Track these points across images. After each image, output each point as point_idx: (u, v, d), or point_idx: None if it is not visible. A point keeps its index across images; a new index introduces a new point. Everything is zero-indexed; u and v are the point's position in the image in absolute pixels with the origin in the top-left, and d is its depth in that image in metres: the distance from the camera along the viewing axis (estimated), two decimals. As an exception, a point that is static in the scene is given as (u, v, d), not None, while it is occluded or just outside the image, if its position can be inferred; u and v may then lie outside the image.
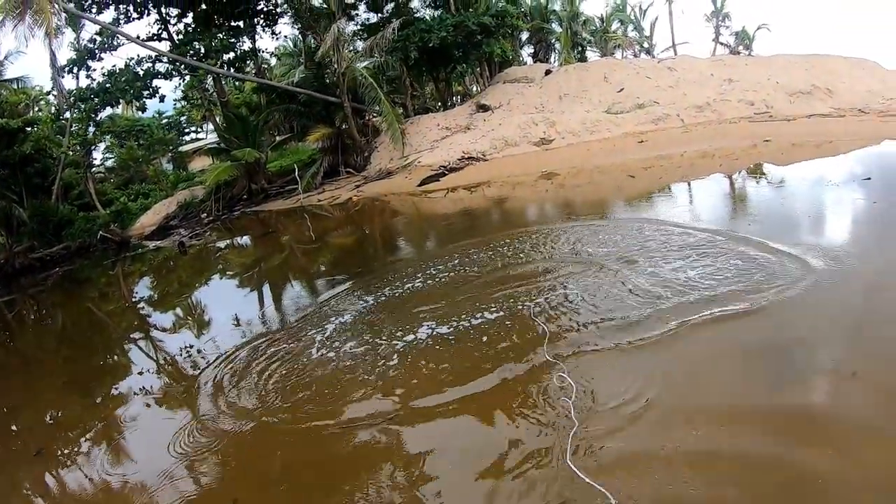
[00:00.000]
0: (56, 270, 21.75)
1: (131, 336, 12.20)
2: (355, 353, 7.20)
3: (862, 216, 9.41)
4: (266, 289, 13.48)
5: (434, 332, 7.23)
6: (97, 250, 24.05)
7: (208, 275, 16.99)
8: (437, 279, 9.50)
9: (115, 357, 11.00)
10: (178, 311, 13.40)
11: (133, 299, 15.94)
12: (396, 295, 9.19)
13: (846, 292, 6.33)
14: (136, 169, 33.98)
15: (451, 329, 7.21)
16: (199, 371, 8.00)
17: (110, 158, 36.67)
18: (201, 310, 12.83)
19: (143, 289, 17.40)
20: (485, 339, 6.74)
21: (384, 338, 7.38)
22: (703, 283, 6.95)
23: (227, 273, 16.41)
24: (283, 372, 7.07)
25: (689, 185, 15.15)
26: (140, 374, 8.91)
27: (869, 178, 11.89)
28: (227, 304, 12.50)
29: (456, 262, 10.15)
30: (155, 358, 9.97)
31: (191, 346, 9.35)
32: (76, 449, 6.83)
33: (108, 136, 32.43)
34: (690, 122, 23.80)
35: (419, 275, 9.93)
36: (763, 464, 3.94)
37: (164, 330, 11.63)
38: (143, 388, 8.00)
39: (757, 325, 5.94)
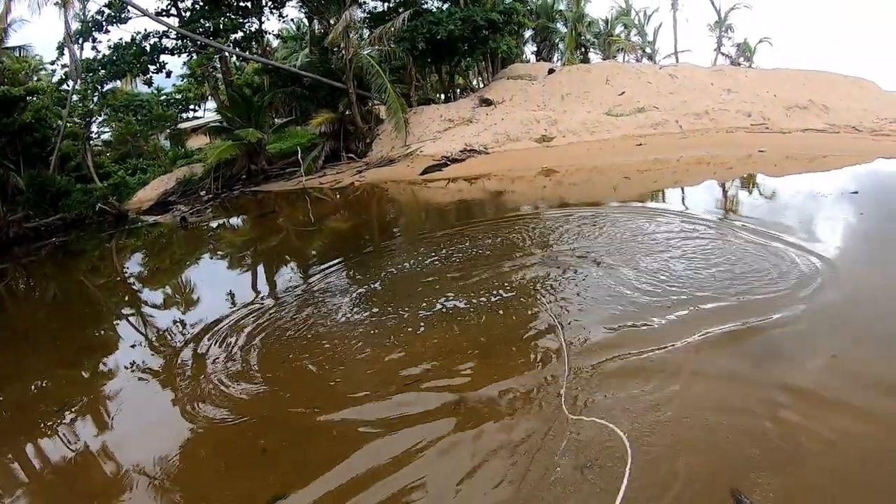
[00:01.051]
0: (52, 240, 21.66)
1: (148, 301, 12.38)
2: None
3: (848, 227, 9.76)
4: (266, 266, 13.62)
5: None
6: (93, 222, 23.98)
7: (212, 249, 17.20)
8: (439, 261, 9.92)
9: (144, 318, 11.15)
10: (196, 276, 13.91)
11: (152, 267, 15.96)
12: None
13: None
14: (134, 144, 33.86)
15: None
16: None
17: (106, 132, 36.51)
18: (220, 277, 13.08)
19: (151, 259, 17.22)
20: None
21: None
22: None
23: (231, 248, 16.53)
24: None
25: (682, 190, 15.53)
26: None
27: (856, 192, 12.27)
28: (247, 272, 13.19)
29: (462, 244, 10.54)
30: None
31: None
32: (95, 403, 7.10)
33: (106, 110, 32.24)
34: (688, 129, 24.19)
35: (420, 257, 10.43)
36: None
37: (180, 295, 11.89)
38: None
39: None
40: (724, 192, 14.60)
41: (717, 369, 5.32)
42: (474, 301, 7.66)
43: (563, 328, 6.39)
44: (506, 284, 8.17)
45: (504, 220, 12.76)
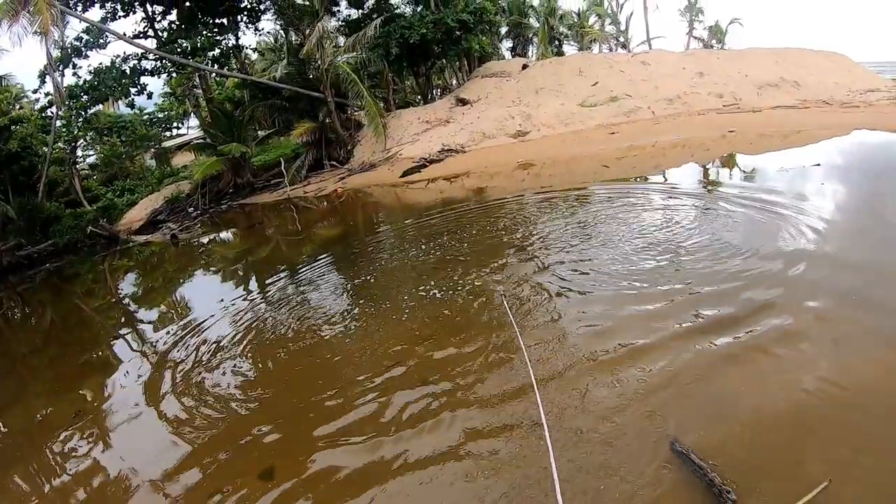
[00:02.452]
0: (46, 266, 21.99)
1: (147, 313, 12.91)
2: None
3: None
4: (256, 275, 14.13)
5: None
6: (85, 245, 24.26)
7: (204, 264, 17.65)
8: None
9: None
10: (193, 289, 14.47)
11: (144, 287, 16.39)
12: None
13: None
14: (120, 165, 34.26)
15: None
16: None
17: (91, 155, 36.81)
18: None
19: (145, 278, 17.71)
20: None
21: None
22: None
23: (221, 262, 17.01)
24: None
25: (663, 173, 16.15)
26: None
27: (818, 164, 13.07)
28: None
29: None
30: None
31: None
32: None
33: (90, 133, 32.54)
34: (661, 114, 24.74)
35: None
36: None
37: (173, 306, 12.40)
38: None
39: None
40: (705, 172, 15.45)
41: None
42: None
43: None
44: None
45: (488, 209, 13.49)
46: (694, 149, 18.79)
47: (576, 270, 8.44)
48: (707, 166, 16.18)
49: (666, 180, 15.02)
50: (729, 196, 11.16)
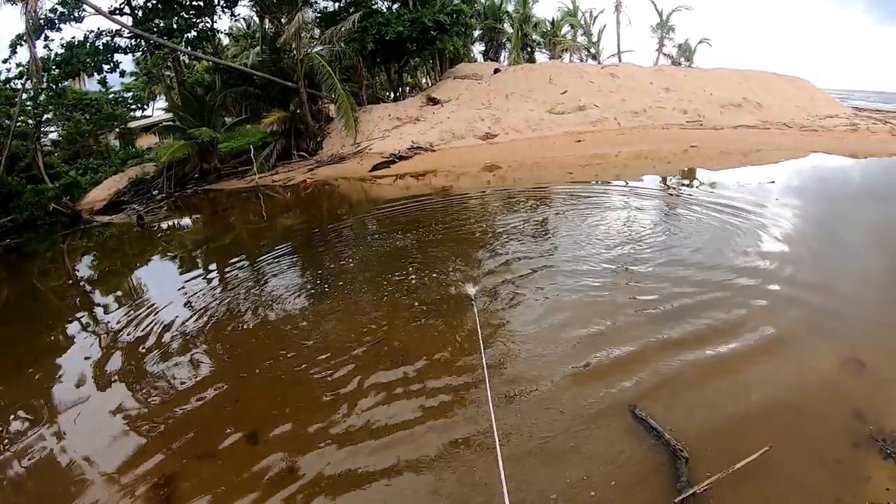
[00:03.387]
0: (6, 241, 21.55)
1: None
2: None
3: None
4: (218, 260, 14.26)
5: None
6: (46, 224, 23.85)
7: (166, 248, 17.47)
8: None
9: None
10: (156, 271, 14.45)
11: (109, 267, 16.12)
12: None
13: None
14: (84, 143, 33.59)
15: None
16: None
17: (54, 131, 35.96)
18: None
19: (106, 260, 17.31)
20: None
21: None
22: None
23: (185, 246, 16.98)
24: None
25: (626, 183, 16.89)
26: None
27: (773, 182, 14.15)
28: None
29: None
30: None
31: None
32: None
33: (56, 109, 31.84)
34: (626, 126, 25.59)
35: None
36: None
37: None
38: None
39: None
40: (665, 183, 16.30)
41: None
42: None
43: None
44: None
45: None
46: (656, 161, 19.62)
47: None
48: (667, 178, 16.99)
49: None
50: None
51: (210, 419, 6.15)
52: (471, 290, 8.03)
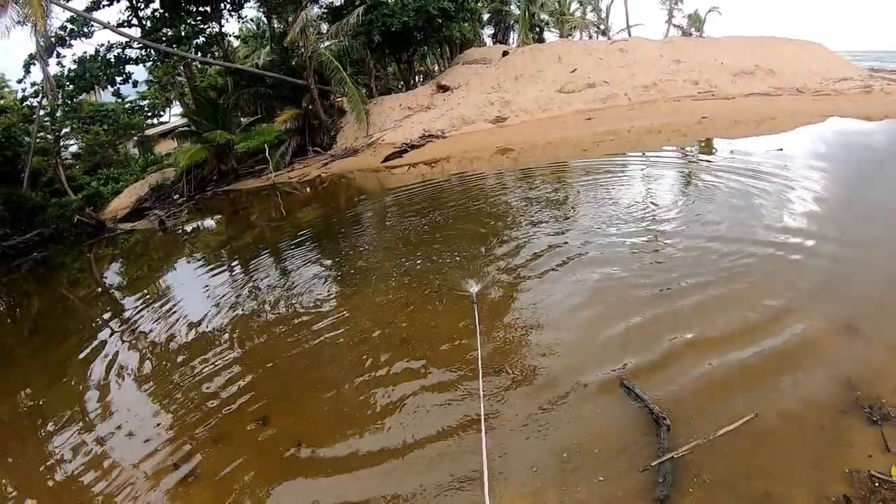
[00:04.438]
0: (33, 255, 22.01)
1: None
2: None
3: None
4: (241, 259, 14.56)
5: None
6: (71, 235, 24.26)
7: (190, 250, 17.78)
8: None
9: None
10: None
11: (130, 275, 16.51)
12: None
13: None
14: (103, 154, 34.31)
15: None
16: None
17: (73, 144, 36.71)
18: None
19: (132, 266, 17.73)
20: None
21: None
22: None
23: (208, 247, 17.32)
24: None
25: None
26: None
27: (781, 149, 13.93)
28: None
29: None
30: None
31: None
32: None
33: (73, 122, 32.49)
34: (637, 101, 25.31)
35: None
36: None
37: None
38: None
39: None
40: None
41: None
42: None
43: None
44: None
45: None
46: (669, 134, 19.42)
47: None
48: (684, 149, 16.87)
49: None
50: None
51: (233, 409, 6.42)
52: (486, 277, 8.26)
